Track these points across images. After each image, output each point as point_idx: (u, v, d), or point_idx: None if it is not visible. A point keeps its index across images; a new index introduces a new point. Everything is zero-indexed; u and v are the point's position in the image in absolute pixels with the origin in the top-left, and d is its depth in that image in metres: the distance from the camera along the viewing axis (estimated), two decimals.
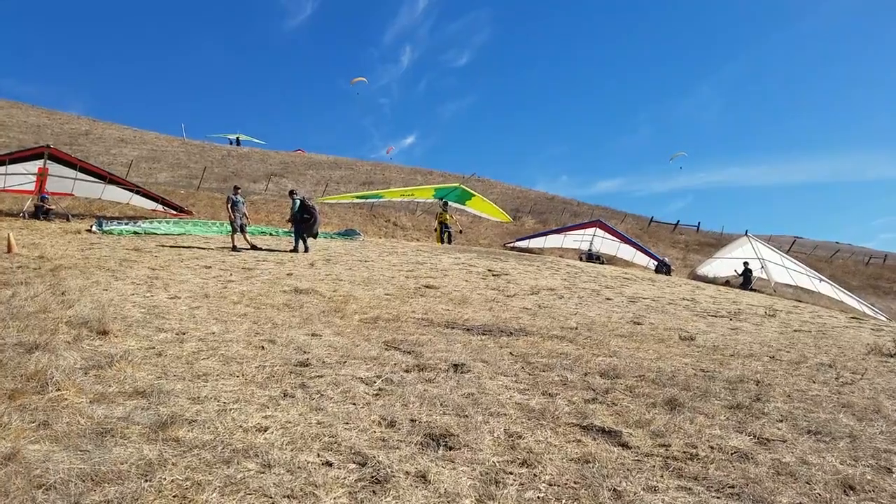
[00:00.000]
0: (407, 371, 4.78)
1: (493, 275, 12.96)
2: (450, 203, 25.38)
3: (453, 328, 6.86)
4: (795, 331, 9.64)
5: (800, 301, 18.21)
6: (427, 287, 10.35)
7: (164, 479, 2.64)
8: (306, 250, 14.51)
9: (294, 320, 6.79)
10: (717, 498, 2.77)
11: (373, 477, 2.76)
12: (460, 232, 26.21)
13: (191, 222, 18.89)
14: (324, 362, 4.90)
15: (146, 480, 2.61)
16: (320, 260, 13.19)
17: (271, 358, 4.96)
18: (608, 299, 11.36)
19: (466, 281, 11.75)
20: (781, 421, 4.11)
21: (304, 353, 5.21)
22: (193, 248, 13.75)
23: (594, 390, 4.56)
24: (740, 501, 2.75)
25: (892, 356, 7.46)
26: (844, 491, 2.97)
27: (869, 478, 3.15)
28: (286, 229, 18.36)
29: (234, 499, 2.51)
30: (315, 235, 15.36)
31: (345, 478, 2.75)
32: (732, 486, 2.90)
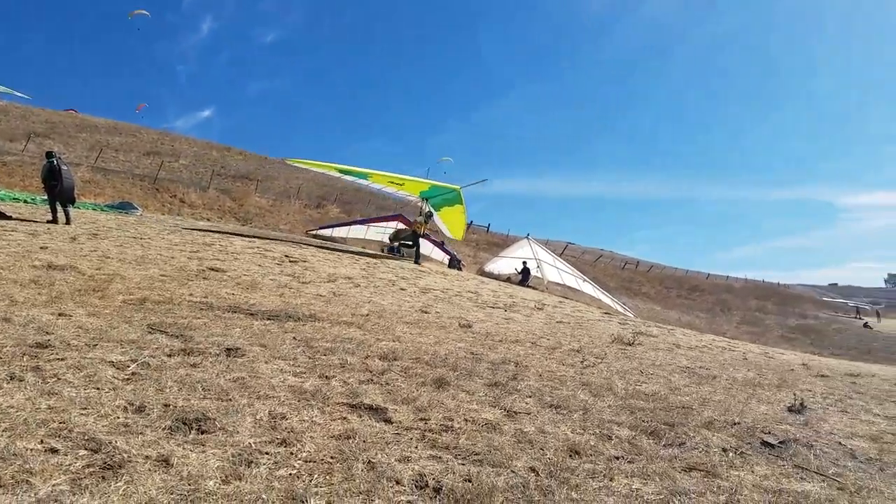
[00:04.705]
0: (170, 355, 4.39)
1: (291, 261, 12.59)
2: (433, 213, 21.88)
3: (235, 312, 6.49)
4: (557, 322, 10.85)
5: (566, 298, 20.54)
6: (212, 270, 9.67)
7: None
8: (67, 222, 12.68)
9: (41, 298, 5.87)
10: (462, 465, 2.99)
11: (105, 463, 2.49)
12: (442, 244, 23.93)
13: None
14: (69, 344, 4.31)
15: None
16: (85, 234, 11.61)
17: (1, 338, 4.23)
18: (402, 289, 11.71)
19: (259, 265, 11.23)
20: (530, 397, 4.58)
21: (46, 333, 4.52)
22: None
23: (371, 372, 4.64)
24: (481, 466, 3.00)
25: (630, 345, 8.75)
26: (570, 455, 3.39)
27: (592, 444, 3.64)
28: (45, 197, 15.92)
29: None
30: (72, 202, 13.40)
31: (70, 464, 2.44)
32: (477, 454, 3.15)
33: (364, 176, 21.04)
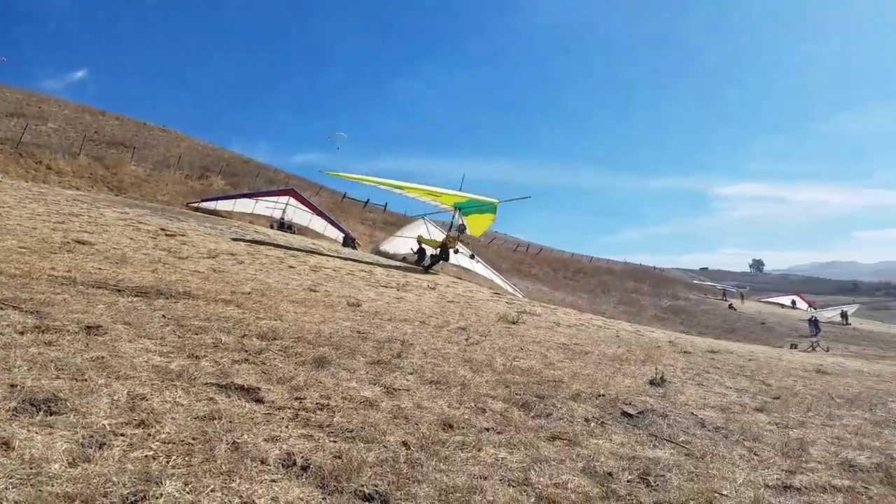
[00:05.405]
0: (21, 333, 4.01)
1: (167, 234, 11.84)
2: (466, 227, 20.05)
3: (100, 288, 6.02)
4: (448, 301, 11.06)
5: (459, 278, 20.93)
6: (79, 242, 8.91)
7: None
8: None
9: None
10: (334, 442, 2.98)
11: None
12: (472, 256, 22.23)
13: None
14: None
15: None
16: None
17: None
18: (291, 267, 11.41)
19: (132, 239, 10.49)
20: (412, 374, 4.65)
21: None
22: None
23: (247, 351, 4.49)
24: (353, 442, 3.01)
25: (514, 323, 9.09)
26: (443, 428, 3.48)
27: (466, 417, 3.77)
28: None
29: None
30: None
31: None
32: (351, 431, 3.16)
33: (399, 188, 19.62)
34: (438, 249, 19.68)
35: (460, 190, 19.38)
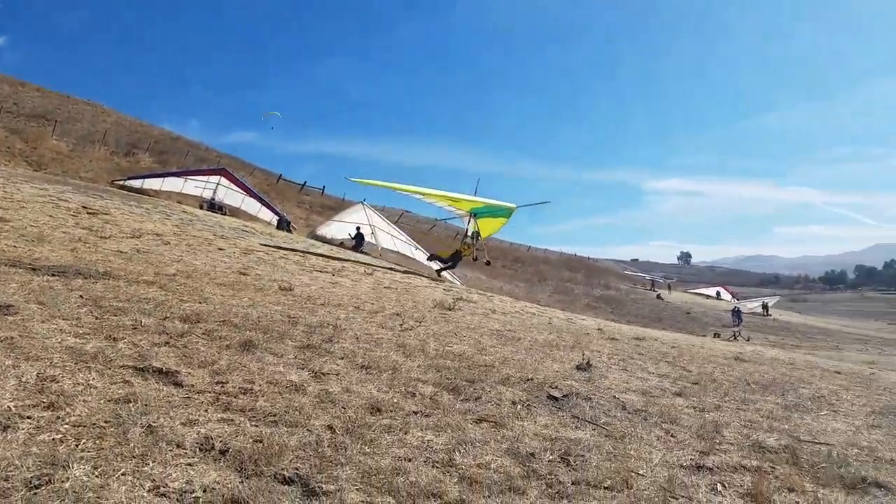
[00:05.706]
0: None
1: (89, 213, 11.22)
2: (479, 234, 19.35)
3: (14, 267, 5.66)
4: (385, 287, 11.00)
5: (399, 265, 20.87)
6: None
7: None
8: None
9: None
10: (255, 426, 2.93)
11: None
12: (487, 263, 20.92)
13: None
14: None
15: None
16: None
17: None
18: (220, 249, 11.05)
19: (51, 216, 9.88)
20: (343, 358, 4.61)
21: None
22: None
23: (168, 334, 4.33)
24: (276, 427, 2.97)
25: (450, 309, 9.14)
26: (371, 412, 3.48)
27: (395, 401, 3.77)
28: None
29: None
30: None
31: None
32: (274, 415, 3.11)
33: (419, 194, 18.99)
34: (447, 258, 19.41)
35: (475, 194, 19.22)
